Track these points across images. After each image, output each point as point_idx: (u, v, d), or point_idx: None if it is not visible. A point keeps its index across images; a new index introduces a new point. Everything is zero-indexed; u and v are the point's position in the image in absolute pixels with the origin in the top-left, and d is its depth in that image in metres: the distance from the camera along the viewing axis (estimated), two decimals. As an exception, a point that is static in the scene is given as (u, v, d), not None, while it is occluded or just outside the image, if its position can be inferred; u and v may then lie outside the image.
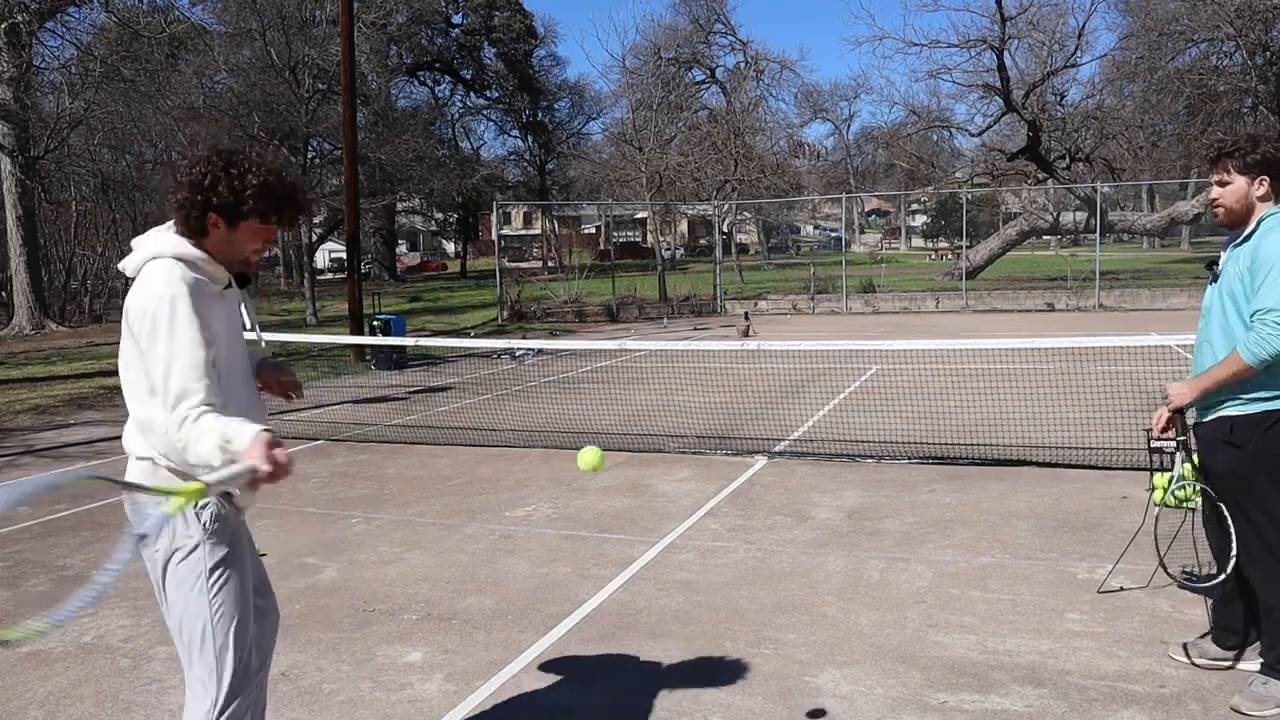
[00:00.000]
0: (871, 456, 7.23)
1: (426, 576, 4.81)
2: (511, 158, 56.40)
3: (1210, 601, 3.64)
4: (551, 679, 3.62)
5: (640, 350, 12.80)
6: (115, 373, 2.51)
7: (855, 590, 4.43)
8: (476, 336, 18.90)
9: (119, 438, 2.53)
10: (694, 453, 7.63)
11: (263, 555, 5.17)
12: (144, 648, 3.97)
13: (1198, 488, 3.47)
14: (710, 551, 5.08)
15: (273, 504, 6.31)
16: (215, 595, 2.39)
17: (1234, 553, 3.30)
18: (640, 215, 45.31)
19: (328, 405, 10.96)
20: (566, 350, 15.08)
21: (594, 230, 65.96)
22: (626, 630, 4.03)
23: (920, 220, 75.65)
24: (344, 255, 29.00)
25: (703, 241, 60.32)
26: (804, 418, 9.04)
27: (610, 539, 5.35)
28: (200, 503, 2.30)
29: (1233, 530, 3.31)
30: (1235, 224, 3.29)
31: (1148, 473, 3.93)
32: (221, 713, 2.39)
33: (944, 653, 3.71)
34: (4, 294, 25.15)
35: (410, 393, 11.77)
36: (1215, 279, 3.36)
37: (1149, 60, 29.41)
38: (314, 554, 5.23)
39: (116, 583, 4.83)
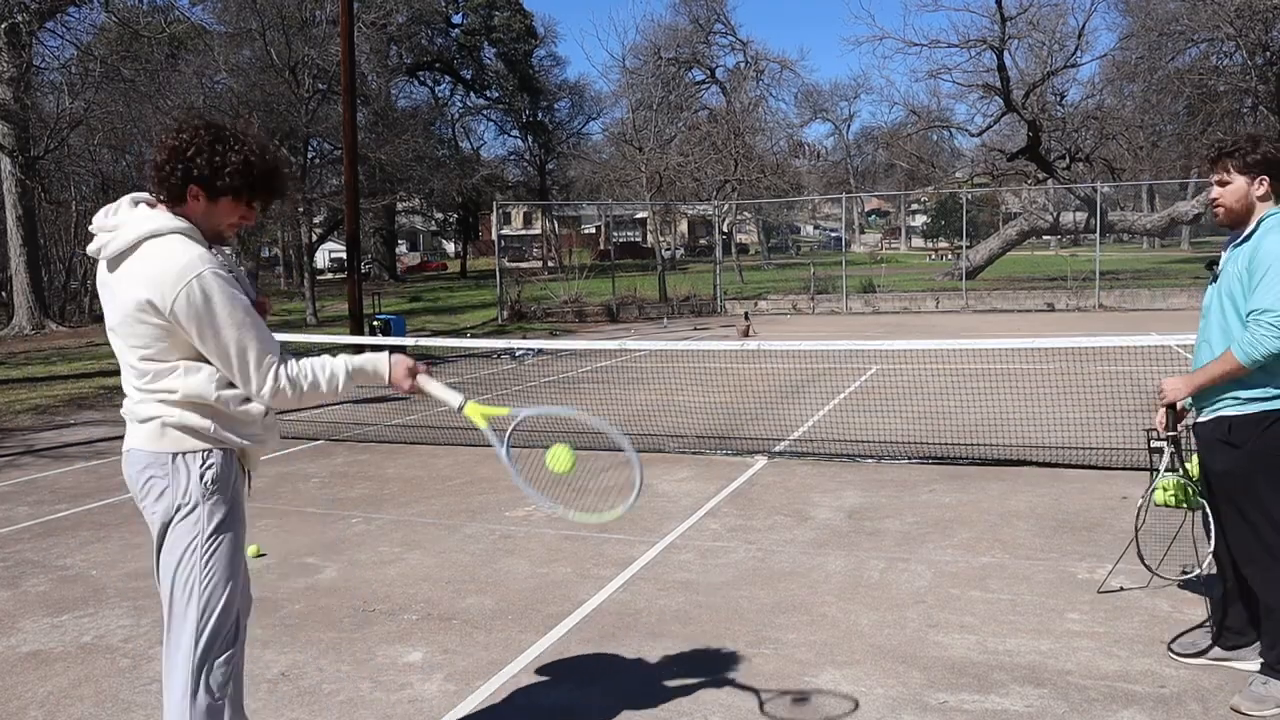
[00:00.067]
0: (871, 456, 7.23)
1: (426, 576, 4.81)
2: (511, 158, 56.43)
3: (1210, 601, 3.64)
4: (551, 679, 3.62)
5: (640, 350, 12.80)
6: (116, 373, 2.52)
7: (855, 590, 4.43)
8: (474, 337, 18.89)
9: (120, 438, 2.54)
10: (694, 453, 7.62)
11: (262, 555, 5.19)
12: (144, 648, 3.97)
13: (1179, 483, 3.50)
14: (710, 551, 5.08)
15: (273, 504, 6.31)
16: (212, 557, 2.42)
17: (1211, 548, 3.35)
18: (640, 215, 45.32)
19: (328, 405, 10.96)
20: (566, 350, 15.08)
21: (594, 230, 65.95)
22: (626, 630, 4.03)
23: (920, 220, 75.64)
24: (344, 255, 29.00)
25: (703, 241, 60.31)
26: (804, 418, 9.04)
27: (610, 539, 5.35)
28: (205, 461, 2.38)
29: (1213, 526, 3.37)
30: (1235, 224, 3.29)
31: (1148, 473, 3.93)
32: (205, 673, 2.42)
33: (944, 653, 3.71)
34: (4, 294, 25.16)
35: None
36: (1215, 279, 3.36)
37: (1149, 60, 29.41)
38: (314, 554, 5.23)
39: (116, 583, 4.83)
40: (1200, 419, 3.35)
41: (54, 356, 16.87)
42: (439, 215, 56.54)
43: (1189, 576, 3.45)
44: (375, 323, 15.34)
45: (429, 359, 15.51)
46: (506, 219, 66.01)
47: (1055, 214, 30.45)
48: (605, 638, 3.97)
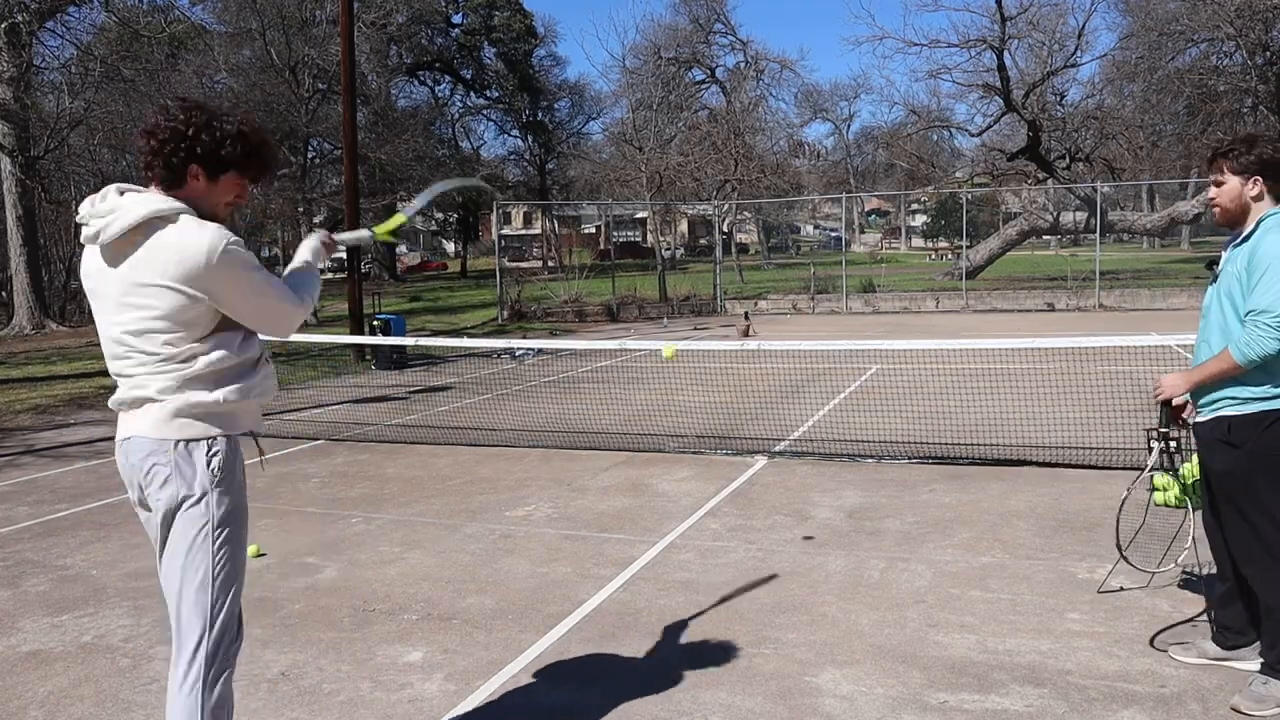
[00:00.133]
0: (871, 456, 7.23)
1: (426, 576, 4.81)
2: (511, 158, 56.40)
3: (1210, 600, 3.64)
4: (551, 679, 3.62)
5: (640, 350, 12.80)
6: (115, 373, 2.52)
7: (855, 590, 4.43)
8: (473, 337, 18.89)
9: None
10: (694, 453, 7.63)
11: (262, 555, 5.20)
12: (144, 648, 3.97)
13: (1171, 482, 3.54)
14: (710, 551, 5.08)
15: (273, 504, 6.31)
16: (219, 548, 2.43)
17: (1186, 544, 3.41)
18: (640, 215, 45.32)
19: (328, 405, 10.96)
20: (566, 350, 15.08)
21: (594, 230, 65.96)
22: (626, 630, 4.04)
23: (920, 220, 75.64)
24: (344, 255, 28.99)
25: (703, 241, 60.32)
26: (804, 418, 9.04)
27: (610, 539, 5.35)
28: (211, 449, 2.42)
29: (1189, 516, 3.48)
30: (1231, 224, 3.32)
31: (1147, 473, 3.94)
32: (218, 663, 2.43)
33: (944, 652, 3.71)
34: (4, 294, 25.16)
35: (410, 392, 11.77)
36: (1215, 279, 3.37)
37: (1149, 60, 29.41)
38: (314, 554, 5.23)
39: (116, 583, 4.83)
40: (1200, 419, 3.36)
41: (54, 356, 16.88)
42: (439, 215, 56.53)
43: (1166, 569, 3.52)
44: (375, 322, 15.33)
45: (429, 359, 15.51)
46: (506, 219, 66.02)
47: (1055, 214, 30.45)
48: (605, 638, 3.97)
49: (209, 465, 2.40)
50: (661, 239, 32.66)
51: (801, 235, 75.80)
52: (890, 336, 14.97)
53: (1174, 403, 3.48)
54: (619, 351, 14.41)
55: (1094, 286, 23.51)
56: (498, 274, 25.17)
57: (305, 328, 21.96)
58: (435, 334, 19.41)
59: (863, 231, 76.49)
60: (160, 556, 2.46)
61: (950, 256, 46.02)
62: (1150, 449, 3.62)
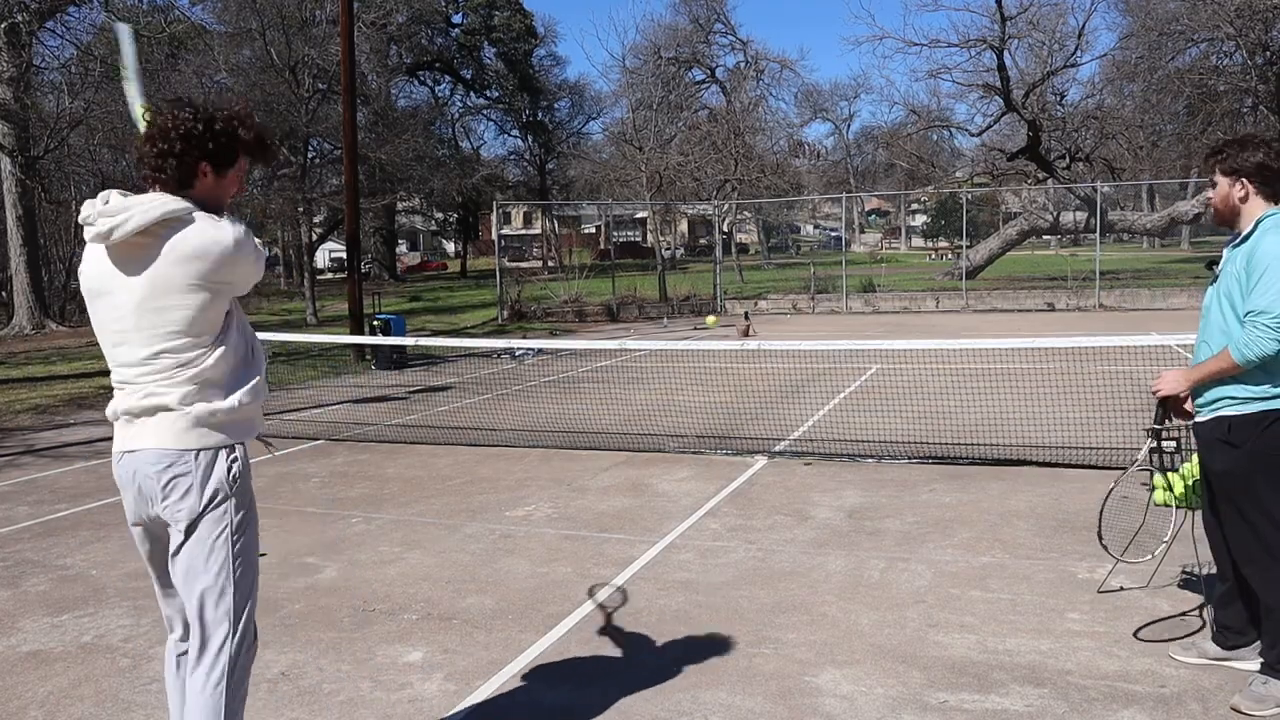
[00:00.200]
0: (871, 456, 7.23)
1: (426, 576, 4.81)
2: (511, 158, 56.43)
3: (1210, 600, 3.64)
4: (551, 679, 3.62)
5: (640, 350, 12.80)
6: (115, 373, 2.52)
7: (855, 590, 4.43)
8: (473, 337, 18.89)
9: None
10: (694, 453, 7.63)
11: (262, 555, 5.19)
12: (144, 648, 3.97)
13: (1165, 481, 3.56)
14: (710, 551, 5.08)
15: (273, 504, 6.31)
16: (238, 550, 2.46)
17: (1168, 539, 3.44)
18: (640, 215, 45.32)
19: (328, 405, 10.96)
20: (566, 350, 15.08)
21: (594, 230, 65.97)
22: (626, 630, 4.03)
23: (920, 220, 75.65)
24: (344, 255, 29.01)
25: (703, 241, 60.32)
26: (804, 418, 9.04)
27: (610, 539, 5.35)
28: (230, 455, 2.45)
29: (1183, 515, 3.54)
30: (1225, 224, 3.38)
31: (1147, 473, 3.94)
32: (235, 666, 2.46)
33: (944, 652, 3.71)
34: (4, 294, 25.16)
35: (410, 392, 11.77)
36: (1215, 279, 3.37)
37: (1149, 60, 29.41)
38: (314, 554, 5.23)
39: (116, 583, 4.83)
40: (1200, 418, 3.36)
41: (54, 356, 16.88)
42: (439, 215, 56.55)
43: (1147, 559, 3.62)
44: (375, 322, 15.34)
45: (429, 359, 15.51)
46: (506, 219, 66.01)
47: (1055, 214, 30.43)
48: (605, 638, 3.97)
49: (230, 473, 2.43)
50: (661, 239, 32.66)
51: (801, 235, 75.82)
52: (890, 336, 14.97)
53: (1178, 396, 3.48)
54: (619, 351, 14.41)
55: (1094, 286, 23.51)
56: (498, 274, 25.17)
57: (306, 328, 21.97)
58: (435, 334, 19.41)
59: (863, 231, 76.50)
60: (169, 565, 2.48)
61: (950, 256, 46.02)
62: (1151, 453, 3.64)
